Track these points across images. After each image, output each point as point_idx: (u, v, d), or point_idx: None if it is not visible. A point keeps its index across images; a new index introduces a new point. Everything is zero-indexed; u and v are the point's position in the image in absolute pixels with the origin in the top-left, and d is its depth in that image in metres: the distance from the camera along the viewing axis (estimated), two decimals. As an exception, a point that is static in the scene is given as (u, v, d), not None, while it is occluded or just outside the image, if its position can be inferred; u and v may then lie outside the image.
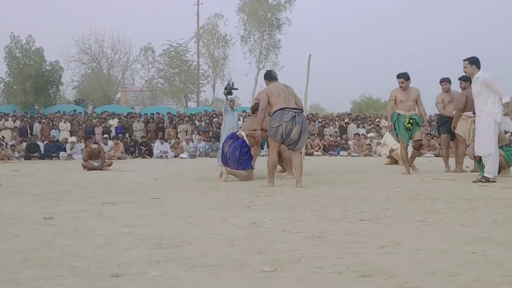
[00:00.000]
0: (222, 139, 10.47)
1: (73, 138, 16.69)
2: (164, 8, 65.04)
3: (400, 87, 7.80)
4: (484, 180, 5.67)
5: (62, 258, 2.59)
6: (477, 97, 6.12)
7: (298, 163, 6.19)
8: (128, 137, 17.97)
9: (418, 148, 7.95)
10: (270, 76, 6.64)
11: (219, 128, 19.50)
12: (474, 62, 6.16)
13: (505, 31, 66.18)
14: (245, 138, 7.19)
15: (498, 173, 7.03)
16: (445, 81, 8.30)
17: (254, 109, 7.60)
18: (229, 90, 10.38)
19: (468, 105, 7.60)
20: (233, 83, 11.01)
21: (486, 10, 69.68)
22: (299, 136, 6.05)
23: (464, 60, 6.29)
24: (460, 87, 7.96)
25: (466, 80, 7.80)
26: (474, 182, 5.71)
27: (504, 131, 6.86)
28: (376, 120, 21.41)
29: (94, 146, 10.53)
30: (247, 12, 35.08)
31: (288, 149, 6.42)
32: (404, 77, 7.76)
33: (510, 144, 7.62)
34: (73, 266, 2.43)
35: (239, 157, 7.05)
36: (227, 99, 10.61)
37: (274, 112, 6.15)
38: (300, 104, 6.37)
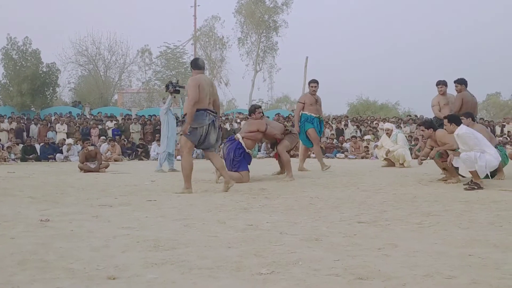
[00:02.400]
0: (165, 142, 10.05)
1: (70, 140, 16.64)
2: (161, 10, 65.02)
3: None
4: (476, 187, 5.70)
5: (58, 260, 2.58)
6: (467, 150, 6.09)
7: (220, 165, 6.21)
8: (125, 139, 17.94)
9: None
10: (196, 65, 6.02)
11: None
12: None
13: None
14: (240, 140, 7.22)
15: (493, 176, 7.06)
16: (442, 83, 8.33)
17: (250, 111, 7.64)
18: (176, 88, 9.96)
19: (463, 107, 7.63)
20: (177, 81, 10.70)
21: (487, 3, 69.87)
22: (215, 140, 6.02)
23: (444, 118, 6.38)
24: (456, 90, 7.99)
25: (461, 83, 7.84)
26: (466, 189, 5.73)
27: (498, 136, 6.83)
28: (374, 122, 21.46)
29: (91, 148, 10.51)
30: (244, 14, 35.18)
31: (203, 150, 6.26)
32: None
33: (500, 144, 7.65)
34: (70, 268, 2.42)
35: (233, 158, 7.09)
36: (173, 96, 10.15)
37: (197, 111, 5.75)
38: (218, 106, 6.20)
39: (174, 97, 10.26)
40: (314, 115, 9.01)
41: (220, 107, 6.30)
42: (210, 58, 37.86)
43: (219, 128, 6.09)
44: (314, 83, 9.06)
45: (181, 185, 6.78)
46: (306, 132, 9.01)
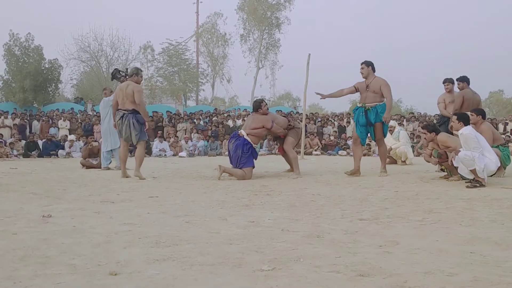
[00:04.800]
0: (115, 137, 9.10)
1: (72, 136, 16.68)
2: (163, 7, 65.03)
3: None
4: (478, 185, 5.69)
5: (60, 256, 2.59)
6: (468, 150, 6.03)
7: (137, 154, 7.41)
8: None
9: None
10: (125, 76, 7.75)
11: (218, 127, 19.50)
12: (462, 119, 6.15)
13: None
14: (245, 136, 7.21)
15: (493, 174, 7.04)
16: (448, 81, 8.34)
17: (256, 107, 7.62)
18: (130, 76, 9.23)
19: (465, 105, 7.61)
20: (127, 69, 10.15)
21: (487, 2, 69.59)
22: (130, 133, 7.23)
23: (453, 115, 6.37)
24: (458, 88, 7.99)
25: (463, 80, 7.84)
26: (468, 187, 5.72)
27: (500, 134, 6.79)
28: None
29: (94, 144, 10.52)
30: (246, 11, 35.18)
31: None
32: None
33: (506, 144, 7.62)
34: (72, 264, 2.42)
35: (241, 155, 7.07)
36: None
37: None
38: (137, 102, 7.19)
39: None
40: (359, 105, 7.47)
41: (138, 102, 7.25)
42: (212, 54, 37.88)
43: (131, 122, 7.20)
44: (361, 64, 7.44)
45: (182, 181, 6.82)
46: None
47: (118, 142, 9.26)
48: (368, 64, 7.38)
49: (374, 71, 7.42)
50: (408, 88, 60.03)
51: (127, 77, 9.17)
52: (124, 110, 7.26)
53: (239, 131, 7.50)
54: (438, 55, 62.76)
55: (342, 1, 75.81)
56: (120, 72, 9.32)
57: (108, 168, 9.50)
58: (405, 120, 21.03)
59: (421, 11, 70.15)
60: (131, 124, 7.23)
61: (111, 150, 9.67)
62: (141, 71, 7.93)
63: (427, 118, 21.50)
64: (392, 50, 66.78)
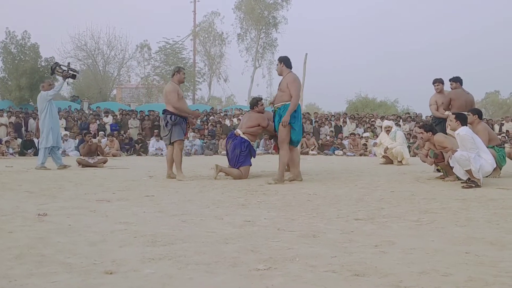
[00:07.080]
0: (50, 135, 9.06)
1: (66, 132, 16.65)
2: (160, 5, 64.92)
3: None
4: (474, 185, 5.72)
5: (56, 254, 2.58)
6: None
7: (169, 158, 7.36)
8: (123, 134, 17.92)
9: None
10: None
11: (215, 127, 19.47)
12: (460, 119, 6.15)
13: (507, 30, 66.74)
14: (242, 135, 7.21)
15: (489, 174, 7.07)
16: (438, 82, 8.32)
17: (253, 104, 7.62)
18: (74, 73, 9.30)
19: (455, 105, 7.62)
20: (69, 63, 9.65)
21: (484, 10, 70.13)
22: (163, 134, 7.45)
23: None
24: (451, 88, 8.00)
25: (456, 81, 7.85)
26: (463, 187, 5.73)
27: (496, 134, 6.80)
28: (371, 119, 21.45)
29: (95, 140, 10.53)
30: (243, 10, 35.18)
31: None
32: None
33: (501, 145, 7.66)
34: (67, 262, 2.42)
35: (239, 154, 7.07)
36: (66, 83, 9.33)
37: None
38: (172, 103, 7.20)
39: (68, 84, 9.32)
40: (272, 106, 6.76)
41: (171, 103, 7.28)
42: (209, 53, 37.86)
43: (163, 124, 7.38)
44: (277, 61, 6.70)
45: (178, 181, 6.81)
46: None
47: (54, 140, 9.12)
48: (281, 60, 6.58)
49: (289, 67, 6.54)
50: (404, 88, 60.25)
51: (70, 71, 9.15)
52: (164, 111, 7.39)
53: (235, 131, 7.50)
54: (436, 57, 63.09)
55: (342, 3, 75.98)
56: (61, 67, 9.17)
57: (45, 168, 9.06)
58: (401, 120, 21.07)
59: (421, 16, 70.56)
60: (163, 126, 7.38)
61: (47, 148, 9.15)
62: (183, 68, 7.64)
63: (423, 118, 21.54)
64: (391, 54, 67.03)
